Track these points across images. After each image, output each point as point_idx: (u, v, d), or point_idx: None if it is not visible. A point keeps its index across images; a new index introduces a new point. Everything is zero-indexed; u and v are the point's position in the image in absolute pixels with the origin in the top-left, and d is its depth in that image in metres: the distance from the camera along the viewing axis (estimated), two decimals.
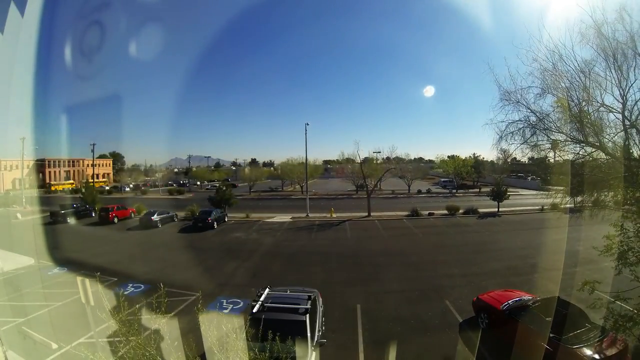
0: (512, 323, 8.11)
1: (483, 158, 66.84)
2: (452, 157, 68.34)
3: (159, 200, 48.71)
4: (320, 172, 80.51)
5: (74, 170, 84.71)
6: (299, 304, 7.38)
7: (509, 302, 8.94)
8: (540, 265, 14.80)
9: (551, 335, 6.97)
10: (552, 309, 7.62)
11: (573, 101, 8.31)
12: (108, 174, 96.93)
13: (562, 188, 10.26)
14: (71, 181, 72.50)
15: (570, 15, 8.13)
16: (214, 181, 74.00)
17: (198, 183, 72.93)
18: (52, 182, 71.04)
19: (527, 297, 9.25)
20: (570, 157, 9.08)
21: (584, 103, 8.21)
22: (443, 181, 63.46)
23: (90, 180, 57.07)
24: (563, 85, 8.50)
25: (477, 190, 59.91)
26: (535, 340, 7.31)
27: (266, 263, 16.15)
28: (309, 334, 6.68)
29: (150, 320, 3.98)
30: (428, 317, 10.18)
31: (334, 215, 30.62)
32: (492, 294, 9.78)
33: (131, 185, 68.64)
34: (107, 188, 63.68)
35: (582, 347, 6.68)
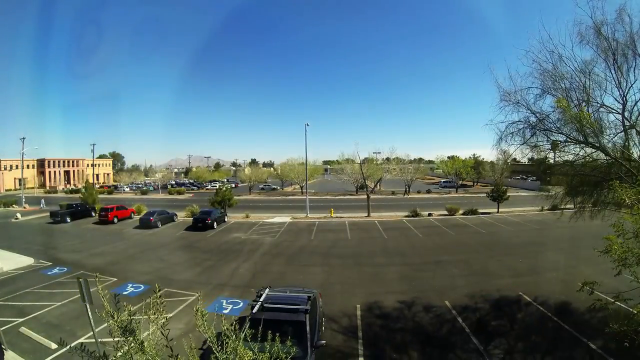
0: None
1: (483, 159, 66.86)
2: (452, 158, 68.27)
3: (159, 200, 48.71)
4: (320, 172, 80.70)
5: (73, 171, 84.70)
6: (299, 305, 7.37)
7: None
8: (540, 265, 14.79)
9: None
10: None
11: (573, 102, 8.33)
12: (108, 174, 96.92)
13: (561, 189, 10.27)
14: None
15: (570, 16, 8.15)
16: (214, 181, 74.23)
17: (196, 186, 72.36)
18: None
19: None
20: (570, 157, 9.09)
21: (583, 104, 8.23)
22: (443, 182, 63.49)
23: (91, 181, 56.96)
24: (563, 85, 8.53)
25: (473, 186, 60.06)
26: None
27: (266, 263, 16.14)
28: (308, 335, 6.67)
29: (150, 320, 3.97)
30: (428, 317, 10.18)
31: (334, 215, 30.61)
32: None
33: (130, 186, 68.62)
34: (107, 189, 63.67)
35: None
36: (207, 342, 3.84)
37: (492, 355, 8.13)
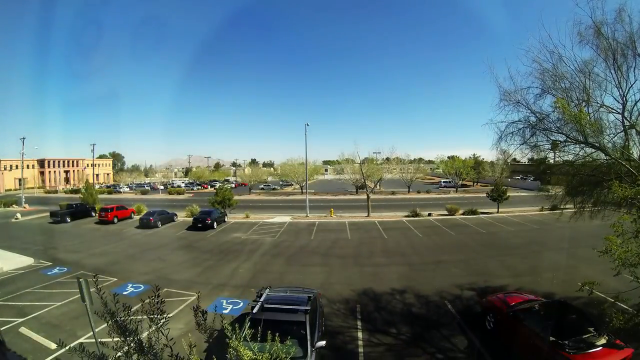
0: (517, 325, 8.08)
1: (483, 159, 66.87)
2: (452, 158, 68.30)
3: (159, 200, 48.72)
4: (320, 172, 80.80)
5: (73, 171, 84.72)
6: (299, 305, 7.37)
7: (516, 304, 8.90)
8: (540, 265, 14.78)
9: (554, 339, 6.91)
10: (557, 313, 7.59)
11: (573, 102, 8.32)
12: (108, 174, 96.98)
13: (561, 189, 10.26)
14: None
15: (570, 15, 8.15)
16: (214, 181, 74.52)
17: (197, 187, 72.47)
18: None
19: (534, 300, 9.20)
20: (570, 157, 9.08)
21: (583, 104, 8.22)
22: (443, 182, 63.50)
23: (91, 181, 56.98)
24: (563, 85, 8.52)
25: (473, 186, 60.12)
26: (537, 344, 7.27)
27: (266, 263, 16.13)
28: (308, 334, 6.67)
29: (149, 320, 3.97)
30: (429, 318, 10.17)
31: (334, 215, 30.62)
32: (500, 295, 9.76)
33: (130, 186, 68.86)
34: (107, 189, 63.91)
35: (585, 352, 6.61)
36: (209, 342, 3.85)
37: (496, 354, 8.14)
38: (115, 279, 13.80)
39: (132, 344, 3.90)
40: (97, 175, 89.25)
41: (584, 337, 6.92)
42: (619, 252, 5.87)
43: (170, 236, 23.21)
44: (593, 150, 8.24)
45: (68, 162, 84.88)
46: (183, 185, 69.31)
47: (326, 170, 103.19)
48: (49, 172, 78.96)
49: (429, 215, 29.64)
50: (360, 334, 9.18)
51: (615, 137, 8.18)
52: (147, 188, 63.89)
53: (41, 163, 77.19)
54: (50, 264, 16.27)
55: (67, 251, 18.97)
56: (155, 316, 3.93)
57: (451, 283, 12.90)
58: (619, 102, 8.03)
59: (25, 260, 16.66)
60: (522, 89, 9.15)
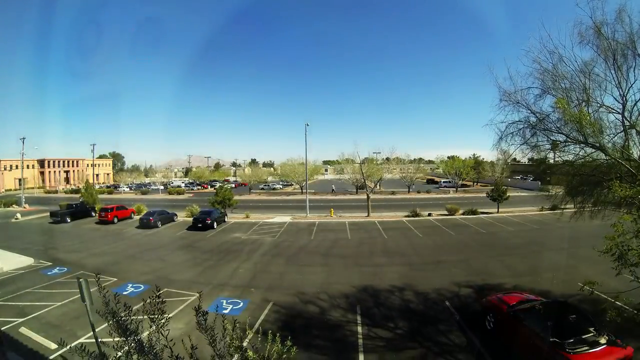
0: (517, 325, 8.07)
1: (483, 159, 66.86)
2: (452, 158, 68.28)
3: (159, 200, 48.72)
4: (320, 172, 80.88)
5: (73, 171, 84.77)
6: None
7: (516, 304, 8.90)
8: (540, 265, 14.78)
9: (554, 339, 6.91)
10: (558, 313, 7.59)
11: (573, 102, 8.32)
12: (108, 174, 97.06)
13: (561, 188, 10.27)
14: None
15: (570, 15, 8.17)
16: (215, 181, 74.63)
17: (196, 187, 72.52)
18: None
19: (535, 299, 9.21)
20: (570, 157, 9.09)
21: (583, 104, 8.22)
22: (443, 182, 63.52)
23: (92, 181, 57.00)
24: (563, 85, 8.52)
25: (473, 186, 60.14)
26: (538, 344, 7.27)
27: (266, 263, 16.13)
28: None
29: (149, 321, 3.97)
30: (429, 317, 10.17)
31: (334, 215, 30.63)
32: (500, 295, 9.79)
33: (130, 186, 68.94)
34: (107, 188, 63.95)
35: (585, 352, 6.60)
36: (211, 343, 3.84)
37: (496, 354, 8.15)
38: (115, 279, 13.81)
39: (132, 344, 3.90)
40: (97, 175, 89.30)
41: (584, 337, 6.92)
42: (620, 251, 5.89)
43: (170, 236, 23.21)
44: (593, 150, 8.24)
45: (68, 162, 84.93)
46: (183, 185, 69.37)
47: (326, 170, 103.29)
48: (49, 172, 78.99)
49: (429, 215, 29.64)
50: (359, 329, 9.29)
51: (615, 137, 8.18)
52: (146, 188, 63.93)
53: (41, 163, 77.22)
54: (50, 264, 16.28)
55: (67, 251, 18.98)
56: (156, 316, 3.92)
57: (451, 282, 12.90)
58: (619, 102, 8.03)
59: (25, 261, 16.67)
60: (522, 89, 9.14)
